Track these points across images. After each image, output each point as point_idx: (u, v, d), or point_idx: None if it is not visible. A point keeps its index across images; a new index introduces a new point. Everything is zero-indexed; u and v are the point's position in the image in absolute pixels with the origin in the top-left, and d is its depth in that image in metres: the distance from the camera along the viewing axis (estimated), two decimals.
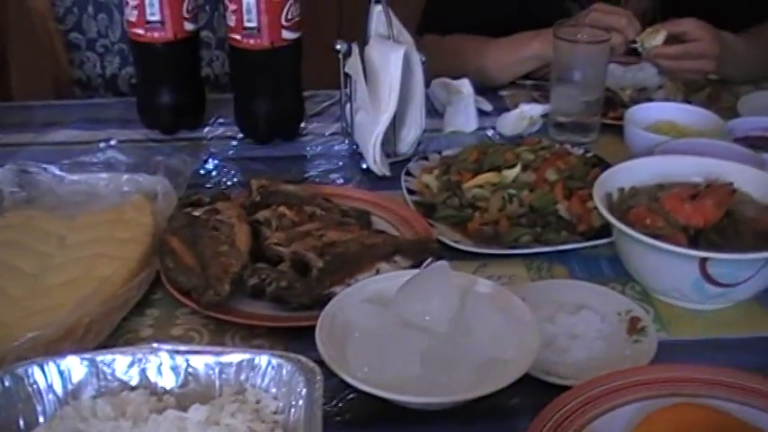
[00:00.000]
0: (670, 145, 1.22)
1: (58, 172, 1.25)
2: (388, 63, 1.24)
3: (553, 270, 1.08)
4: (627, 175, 1.10)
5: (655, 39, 1.47)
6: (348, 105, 1.35)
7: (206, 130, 1.48)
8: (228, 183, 1.30)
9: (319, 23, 2.66)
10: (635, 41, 1.48)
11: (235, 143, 1.43)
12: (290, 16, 1.33)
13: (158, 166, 1.24)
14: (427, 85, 1.49)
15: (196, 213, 1.08)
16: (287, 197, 1.14)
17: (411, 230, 1.12)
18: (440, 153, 1.32)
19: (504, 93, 1.58)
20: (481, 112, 1.48)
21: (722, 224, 1.01)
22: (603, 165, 1.22)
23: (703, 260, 0.94)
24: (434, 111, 1.50)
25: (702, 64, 1.51)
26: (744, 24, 1.63)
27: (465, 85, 1.45)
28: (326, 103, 1.54)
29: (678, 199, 1.02)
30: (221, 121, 1.49)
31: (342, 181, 1.31)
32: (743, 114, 1.45)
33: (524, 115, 1.41)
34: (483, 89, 1.54)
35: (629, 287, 1.04)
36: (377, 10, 1.32)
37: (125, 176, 1.23)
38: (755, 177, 1.09)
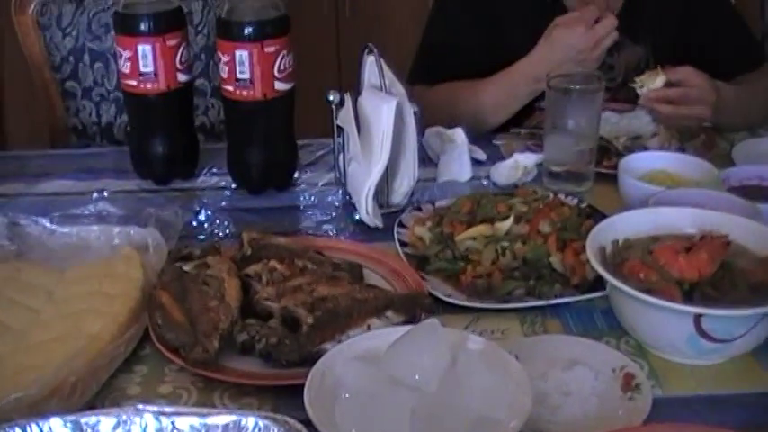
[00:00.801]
0: (664, 195, 1.21)
1: (48, 224, 1.24)
2: (380, 114, 1.24)
3: (547, 323, 1.07)
4: (621, 226, 1.09)
5: (654, 82, 1.47)
6: (341, 156, 1.34)
7: (199, 179, 1.47)
8: (220, 234, 1.30)
9: (318, 72, 2.69)
10: (635, 82, 1.49)
11: (228, 193, 1.43)
12: (282, 68, 1.33)
13: (150, 219, 1.23)
14: (421, 134, 1.50)
15: (186, 268, 1.07)
16: (278, 250, 1.13)
17: (403, 284, 1.11)
18: (433, 204, 1.31)
19: (498, 141, 1.58)
20: (475, 161, 1.48)
21: (717, 277, 1.00)
22: (598, 215, 1.21)
23: (698, 316, 0.93)
24: (428, 160, 1.50)
25: (698, 111, 1.51)
26: (732, 73, 1.64)
27: (458, 134, 1.44)
28: (320, 153, 1.54)
29: (672, 252, 1.01)
30: (215, 170, 1.49)
31: (335, 232, 1.30)
32: (737, 162, 1.44)
33: (518, 164, 1.40)
34: (477, 137, 1.53)
35: (624, 341, 1.03)
36: (369, 61, 1.32)
37: (116, 229, 1.22)
38: (750, 229, 1.08)
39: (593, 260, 1.00)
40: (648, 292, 0.95)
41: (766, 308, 0.92)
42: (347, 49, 3.14)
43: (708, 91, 1.49)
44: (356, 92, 1.33)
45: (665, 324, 0.95)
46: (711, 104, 1.50)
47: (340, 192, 1.38)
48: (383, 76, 1.28)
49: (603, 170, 1.41)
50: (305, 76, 2.55)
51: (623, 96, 1.63)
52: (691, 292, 0.98)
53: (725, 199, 1.20)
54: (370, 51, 1.31)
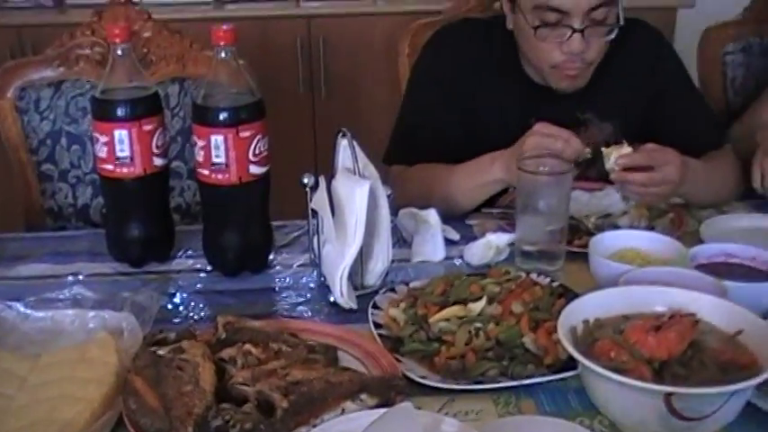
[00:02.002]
0: (634, 274, 1.23)
1: (23, 309, 1.25)
2: (353, 197, 1.26)
3: (520, 404, 1.07)
4: (591, 306, 1.11)
5: (620, 150, 1.50)
6: (315, 238, 1.36)
7: (175, 262, 1.48)
8: (195, 317, 1.30)
9: (296, 153, 2.73)
10: (601, 152, 1.51)
11: (203, 275, 1.43)
12: (257, 152, 1.35)
13: (125, 303, 1.24)
14: (395, 215, 1.51)
15: (161, 352, 1.08)
16: (253, 333, 1.14)
17: (377, 366, 1.11)
18: (407, 285, 1.32)
19: (471, 221, 1.60)
20: (449, 241, 1.49)
21: (686, 356, 1.02)
22: (570, 294, 1.23)
23: (668, 395, 0.94)
24: (403, 241, 1.52)
25: (666, 189, 1.53)
26: (697, 152, 1.68)
27: (432, 215, 1.46)
28: (296, 234, 1.56)
29: (642, 331, 1.03)
30: (190, 253, 1.50)
31: (310, 313, 1.31)
32: (706, 239, 1.47)
33: (491, 244, 1.42)
34: (450, 218, 1.56)
35: (598, 420, 1.04)
36: (343, 144, 1.35)
37: (91, 313, 1.23)
38: (718, 307, 1.10)
39: (564, 340, 1.01)
40: (619, 371, 0.96)
41: (735, 386, 0.94)
42: (323, 130, 3.20)
43: (676, 169, 1.50)
44: (331, 175, 1.35)
45: (637, 403, 0.96)
46: (679, 182, 1.52)
47: (315, 273, 1.39)
48: (356, 160, 1.31)
49: (575, 249, 1.43)
50: (281, 158, 2.59)
51: (594, 174, 1.66)
52: (661, 371, 0.99)
53: (693, 277, 1.23)
54: (344, 135, 1.34)
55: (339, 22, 3.21)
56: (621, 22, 1.62)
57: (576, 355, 0.99)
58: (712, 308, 1.09)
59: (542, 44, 1.61)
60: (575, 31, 1.57)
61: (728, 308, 1.09)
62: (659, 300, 1.12)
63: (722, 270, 1.31)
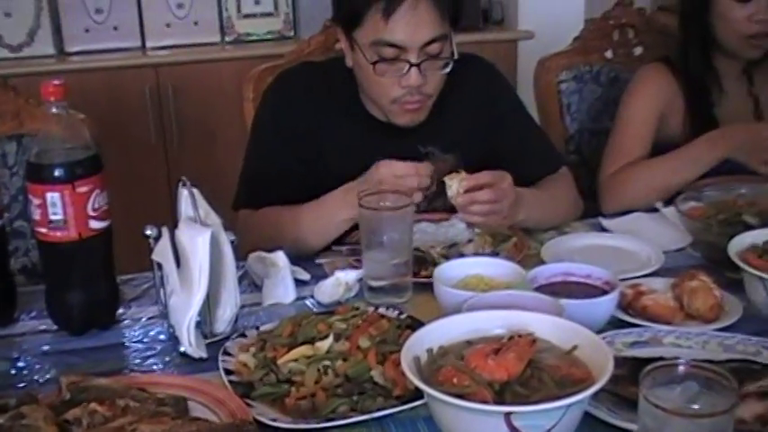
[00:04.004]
0: (476, 300, 1.27)
1: None
2: (195, 246, 1.25)
3: None
4: (435, 334, 1.13)
5: (459, 181, 1.54)
6: (162, 289, 1.34)
7: (19, 324, 1.44)
8: (41, 380, 1.26)
9: (150, 203, 2.69)
10: (443, 182, 1.55)
11: (49, 336, 1.39)
12: (96, 206, 1.33)
13: None
14: (244, 259, 1.52)
15: (0, 420, 1.04)
16: (99, 391, 1.12)
17: (228, 413, 1.11)
18: (257, 329, 1.33)
19: (321, 260, 1.61)
20: (299, 282, 1.51)
21: (526, 375, 1.05)
22: (417, 324, 1.26)
23: (508, 414, 0.97)
24: (253, 285, 1.52)
25: (506, 205, 1.57)
26: (535, 178, 1.75)
27: (280, 258, 1.47)
28: (145, 286, 1.54)
29: (482, 355, 1.06)
30: (34, 314, 1.45)
31: (160, 366, 1.29)
32: (547, 260, 1.54)
33: (340, 282, 1.44)
34: (300, 258, 1.57)
35: None
36: (184, 193, 1.34)
37: None
38: (555, 325, 1.14)
39: (406, 370, 1.03)
40: (461, 396, 0.99)
41: (570, 400, 0.98)
42: (177, 178, 3.15)
43: (506, 189, 1.56)
44: (173, 225, 1.34)
45: (479, 425, 0.99)
46: (512, 203, 1.58)
47: (164, 325, 1.38)
48: (197, 208, 1.31)
49: (422, 280, 1.47)
50: (137, 209, 2.55)
51: (440, 206, 1.71)
52: (502, 393, 1.02)
53: (532, 298, 1.27)
54: (184, 184, 1.34)
55: (187, 69, 3.21)
56: (456, 56, 1.68)
57: (418, 383, 1.01)
58: (549, 326, 1.14)
59: (382, 79, 1.65)
60: (412, 65, 1.62)
61: (564, 325, 1.14)
62: (499, 323, 1.15)
63: (561, 289, 1.37)
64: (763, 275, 1.31)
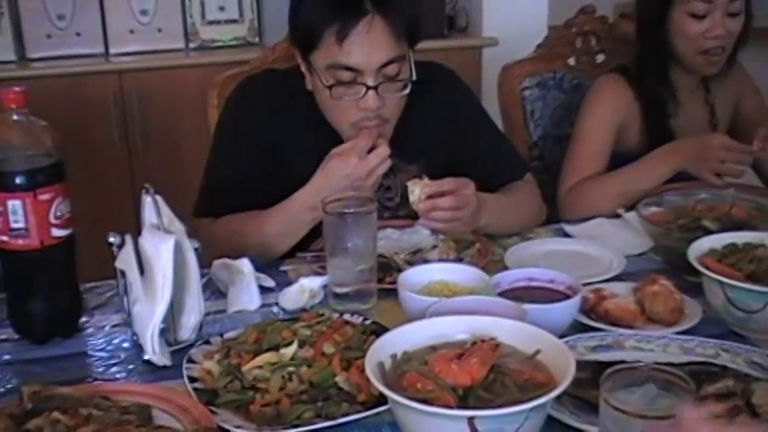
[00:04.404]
0: (440, 305, 1.28)
1: None
2: (159, 253, 1.25)
3: None
4: (399, 340, 1.14)
5: (421, 186, 1.56)
6: (126, 297, 1.34)
7: None
8: (2, 390, 1.25)
9: (116, 210, 2.67)
10: (406, 187, 1.57)
11: (10, 345, 1.38)
12: (59, 214, 1.33)
13: None
14: (208, 266, 1.51)
15: None
16: (62, 400, 1.11)
17: (192, 420, 1.10)
18: (222, 336, 1.32)
19: (285, 267, 1.61)
20: (264, 289, 1.51)
21: (489, 380, 1.06)
22: (382, 330, 1.26)
23: (471, 419, 0.98)
24: (218, 292, 1.52)
25: (468, 212, 1.59)
26: (499, 184, 1.77)
27: (245, 264, 1.47)
28: (109, 294, 1.53)
29: (445, 360, 1.07)
30: None
31: (124, 374, 1.28)
32: (510, 266, 1.55)
33: (304, 288, 1.44)
34: (265, 265, 1.57)
35: None
36: (147, 201, 1.34)
37: None
38: (517, 329, 1.15)
39: (370, 375, 1.04)
40: (425, 401, 1.00)
41: (532, 404, 0.99)
42: (142, 184, 3.14)
43: (469, 196, 1.58)
44: (137, 232, 1.34)
45: (443, 430, 0.99)
46: (475, 209, 1.60)
47: (128, 333, 1.37)
48: (160, 215, 1.30)
49: (386, 286, 1.47)
50: (102, 216, 2.53)
51: (404, 214, 1.72)
52: (465, 397, 1.03)
53: (495, 303, 1.28)
54: (147, 191, 1.33)
55: (151, 75, 3.20)
56: (414, 77, 1.68)
57: (382, 388, 1.01)
58: (512, 331, 1.15)
59: (339, 103, 1.65)
60: (369, 88, 1.62)
61: (526, 330, 1.15)
62: (462, 328, 1.16)
63: (524, 294, 1.38)
64: (722, 279, 1.33)
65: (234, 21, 3.44)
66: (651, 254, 1.68)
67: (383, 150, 1.59)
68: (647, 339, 1.31)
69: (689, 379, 0.94)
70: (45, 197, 1.31)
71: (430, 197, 1.54)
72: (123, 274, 1.33)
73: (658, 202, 1.75)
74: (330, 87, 1.63)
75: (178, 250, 1.28)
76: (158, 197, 1.33)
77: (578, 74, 2.34)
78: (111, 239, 1.33)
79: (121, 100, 3.16)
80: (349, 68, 1.61)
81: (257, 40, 3.46)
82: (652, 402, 0.94)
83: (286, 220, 1.63)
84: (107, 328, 1.43)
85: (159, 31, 3.33)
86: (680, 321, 1.37)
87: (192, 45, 3.40)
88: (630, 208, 1.79)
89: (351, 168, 1.56)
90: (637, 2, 2.10)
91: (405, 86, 1.68)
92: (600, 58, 2.36)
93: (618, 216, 1.85)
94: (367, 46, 1.60)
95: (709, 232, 1.54)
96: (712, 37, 1.94)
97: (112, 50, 3.28)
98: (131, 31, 3.29)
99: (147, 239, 1.30)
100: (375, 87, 1.62)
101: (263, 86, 1.80)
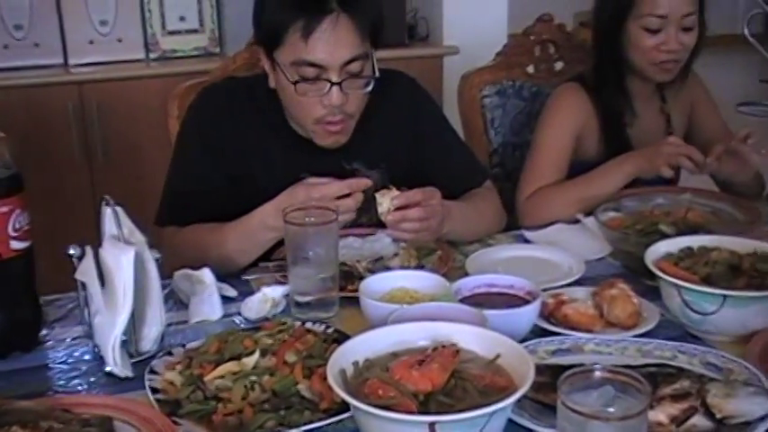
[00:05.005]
0: (402, 312, 1.29)
1: None
2: (120, 265, 1.25)
3: None
4: (361, 347, 1.15)
5: (391, 194, 1.57)
6: (86, 309, 1.33)
7: None
8: None
9: (77, 222, 2.65)
10: (373, 198, 1.58)
11: None
12: (17, 226, 1.32)
13: None
14: (170, 277, 1.51)
15: None
16: (21, 414, 1.10)
17: (155, 431, 1.10)
18: (184, 346, 1.32)
19: (248, 276, 1.61)
20: (226, 299, 1.51)
21: (450, 385, 1.07)
22: (344, 338, 1.27)
23: (432, 424, 0.99)
24: (180, 303, 1.51)
25: (435, 222, 1.61)
26: (460, 191, 1.79)
27: (206, 275, 1.47)
28: (70, 306, 1.52)
29: (406, 366, 1.08)
30: None
31: (86, 386, 1.28)
32: (471, 272, 1.56)
33: (266, 298, 1.44)
34: (227, 275, 1.57)
35: None
36: (107, 212, 1.33)
37: None
38: (478, 335, 1.17)
39: (332, 383, 1.04)
40: (386, 407, 1.01)
41: (492, 408, 1.00)
42: (103, 195, 3.13)
43: (435, 207, 1.60)
44: (98, 244, 1.33)
45: None
46: (440, 219, 1.61)
47: (89, 345, 1.37)
48: (121, 227, 1.30)
49: (348, 294, 1.48)
50: (63, 227, 2.51)
51: (365, 221, 1.73)
52: (427, 403, 1.04)
53: (456, 309, 1.29)
54: (107, 203, 1.33)
55: (112, 86, 3.18)
56: (377, 74, 1.70)
57: (344, 395, 1.02)
58: (472, 337, 1.16)
59: (303, 99, 1.66)
60: (333, 84, 1.64)
61: (486, 335, 1.17)
62: (423, 335, 1.17)
63: (484, 300, 1.40)
64: (678, 282, 1.35)
65: (195, 31, 3.44)
66: (610, 258, 1.70)
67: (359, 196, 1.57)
68: (606, 343, 1.33)
69: (644, 380, 0.96)
70: (3, 209, 1.30)
71: (399, 209, 1.55)
72: (84, 285, 1.33)
73: (616, 207, 1.78)
74: (294, 84, 1.65)
75: (139, 261, 1.27)
76: (118, 208, 1.33)
77: (537, 81, 2.36)
78: (72, 251, 1.32)
79: (81, 111, 3.14)
80: (313, 65, 1.63)
81: (218, 50, 3.46)
82: (608, 404, 0.95)
83: (246, 236, 1.62)
84: (68, 340, 1.42)
85: (119, 41, 3.32)
86: (638, 325, 1.39)
87: (152, 55, 3.39)
88: (589, 213, 1.81)
89: (319, 195, 1.55)
90: (593, 14, 2.13)
91: (368, 83, 1.70)
92: (559, 65, 2.38)
93: (577, 222, 1.87)
94: (332, 43, 1.62)
95: (665, 236, 1.56)
96: (666, 51, 1.98)
97: (72, 61, 3.26)
98: (91, 42, 3.27)
99: (107, 251, 1.29)
100: (339, 84, 1.64)
101: (225, 94, 1.80)
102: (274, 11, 1.66)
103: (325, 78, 1.64)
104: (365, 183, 1.58)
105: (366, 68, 1.68)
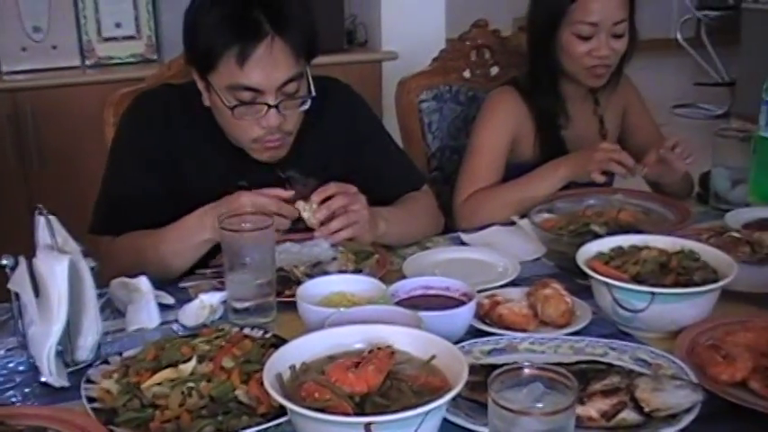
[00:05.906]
0: (339, 316, 1.30)
1: None
2: (54, 274, 1.24)
3: None
4: (297, 351, 1.16)
5: (311, 204, 1.60)
6: (20, 319, 1.32)
7: None
8: None
9: (13, 231, 2.61)
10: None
11: None
12: None
13: None
14: (106, 285, 1.50)
15: None
16: None
17: None
18: (121, 354, 1.32)
19: (185, 284, 1.61)
20: (164, 306, 1.50)
21: (385, 386, 1.09)
22: (282, 343, 1.27)
23: (368, 425, 1.00)
24: (117, 311, 1.51)
25: (359, 216, 1.62)
26: (397, 195, 1.81)
27: (143, 283, 1.47)
28: (4, 318, 1.50)
29: (342, 369, 1.09)
30: None
31: (20, 398, 1.27)
32: (408, 275, 1.58)
33: (204, 304, 1.45)
34: (164, 282, 1.57)
35: None
36: (41, 221, 1.32)
37: None
38: (413, 337, 1.19)
39: (269, 387, 1.05)
40: (322, 410, 1.02)
41: (426, 407, 1.02)
42: (39, 203, 3.08)
43: (362, 207, 1.62)
44: (32, 254, 1.32)
45: None
46: (366, 217, 1.63)
47: (24, 356, 1.35)
48: (54, 236, 1.29)
49: (286, 299, 1.48)
50: None
51: (303, 226, 1.73)
52: (362, 404, 1.06)
53: (393, 312, 1.31)
54: (41, 212, 1.32)
55: (47, 93, 3.15)
56: (313, 94, 1.70)
57: (280, 399, 1.03)
58: (407, 339, 1.18)
59: (240, 122, 1.66)
60: (270, 106, 1.64)
61: (421, 337, 1.19)
62: (359, 337, 1.19)
63: (420, 302, 1.42)
64: (608, 281, 1.39)
65: (131, 37, 3.40)
66: (544, 259, 1.73)
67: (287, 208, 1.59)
68: (540, 341, 1.36)
69: (572, 377, 0.98)
70: None
71: (321, 203, 1.57)
72: (17, 296, 1.31)
73: (550, 208, 1.82)
74: (232, 109, 1.64)
75: (73, 270, 1.27)
76: (52, 217, 1.32)
77: (474, 86, 2.39)
78: (4, 261, 1.31)
79: (16, 119, 3.10)
80: (250, 89, 1.62)
81: (156, 56, 3.43)
82: (538, 400, 0.98)
83: (182, 240, 1.62)
84: (2, 351, 1.40)
85: (54, 48, 3.27)
86: (571, 323, 1.42)
87: (88, 62, 3.35)
88: (524, 215, 1.85)
89: (259, 203, 1.56)
90: (527, 20, 2.17)
91: (303, 102, 1.70)
92: (494, 70, 2.42)
93: (512, 224, 1.90)
94: (268, 67, 1.61)
95: (597, 236, 1.60)
96: (597, 56, 2.02)
97: (5, 68, 3.21)
98: (24, 49, 3.23)
99: (41, 260, 1.28)
100: (276, 106, 1.64)
101: (160, 101, 1.79)
102: (208, 36, 1.63)
103: (261, 101, 1.64)
104: (287, 194, 1.59)
105: (302, 87, 1.69)
